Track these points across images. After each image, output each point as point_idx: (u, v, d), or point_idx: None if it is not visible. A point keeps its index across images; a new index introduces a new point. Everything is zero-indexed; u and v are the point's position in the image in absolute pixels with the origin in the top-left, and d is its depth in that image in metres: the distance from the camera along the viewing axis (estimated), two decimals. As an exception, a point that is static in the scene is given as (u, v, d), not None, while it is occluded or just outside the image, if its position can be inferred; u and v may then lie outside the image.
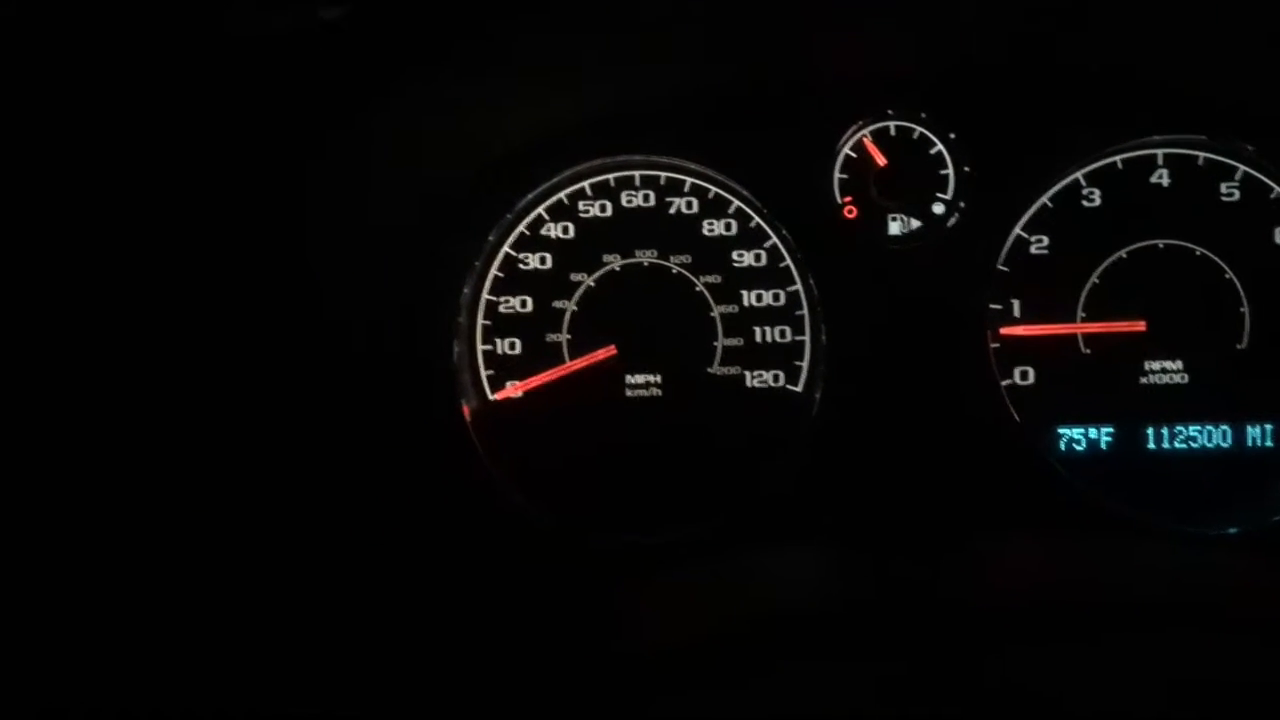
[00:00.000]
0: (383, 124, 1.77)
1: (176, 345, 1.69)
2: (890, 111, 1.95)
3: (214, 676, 1.55)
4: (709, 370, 2.00)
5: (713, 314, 2.00)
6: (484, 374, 2.02)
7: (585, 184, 2.02)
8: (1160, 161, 1.95)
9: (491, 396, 2.02)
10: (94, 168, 1.60)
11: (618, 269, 2.01)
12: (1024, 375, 1.96)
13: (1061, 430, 1.96)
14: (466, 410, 1.99)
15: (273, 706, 1.51)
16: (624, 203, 2.02)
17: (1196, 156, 1.95)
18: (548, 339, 2.02)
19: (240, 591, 1.67)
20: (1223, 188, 1.94)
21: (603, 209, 2.02)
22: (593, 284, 2.01)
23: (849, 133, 1.96)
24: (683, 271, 2.01)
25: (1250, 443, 1.93)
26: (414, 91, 1.74)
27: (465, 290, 2.00)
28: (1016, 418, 1.94)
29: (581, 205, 2.02)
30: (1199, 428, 1.94)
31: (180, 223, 1.67)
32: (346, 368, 1.89)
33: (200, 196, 1.67)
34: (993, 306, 1.95)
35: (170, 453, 1.68)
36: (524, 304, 2.02)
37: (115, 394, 1.65)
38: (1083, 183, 1.96)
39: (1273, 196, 1.94)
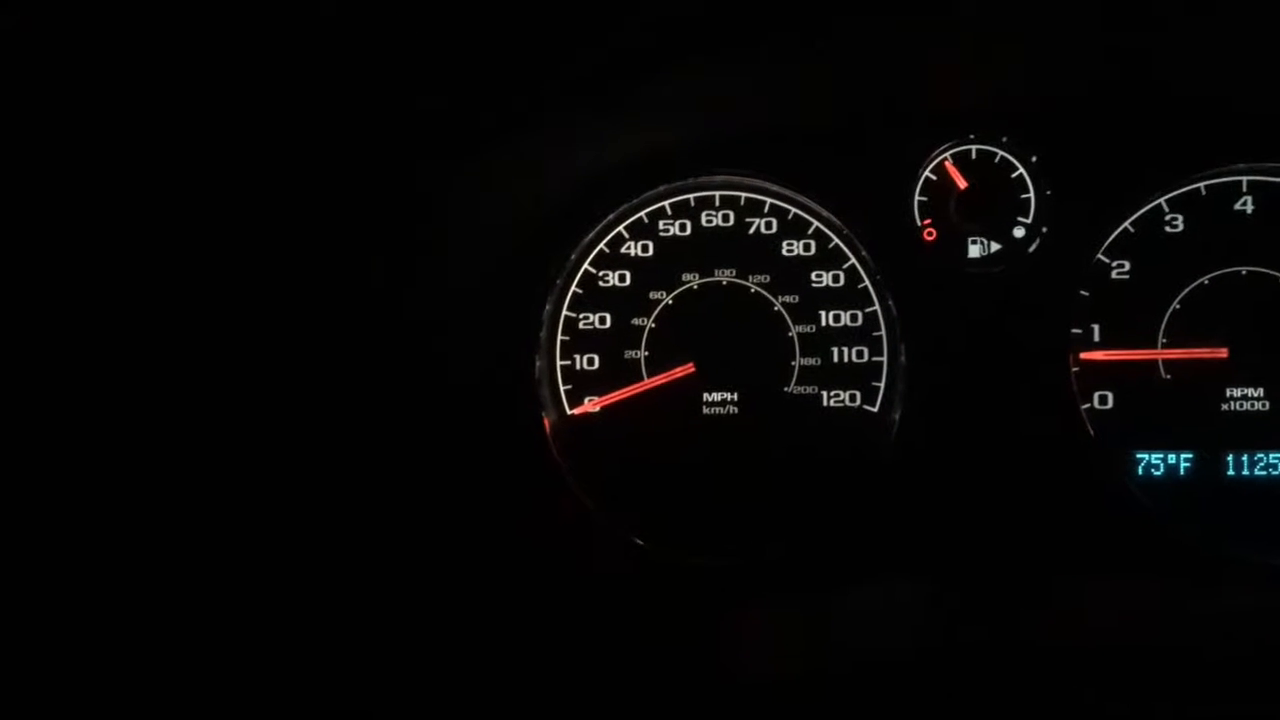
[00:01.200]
0: (485, 152, 1.80)
1: (277, 360, 1.73)
2: (972, 135, 1.96)
3: (299, 686, 1.59)
4: (786, 389, 2.01)
5: (790, 334, 2.01)
6: (562, 389, 2.04)
7: (666, 203, 2.04)
8: (1245, 188, 1.94)
9: (570, 411, 2.04)
10: (224, 183, 1.64)
11: (696, 287, 2.03)
12: (1103, 400, 1.96)
13: (1140, 455, 1.95)
14: (548, 424, 2.02)
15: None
16: (704, 222, 2.04)
17: (1282, 183, 1.94)
18: (626, 356, 2.04)
19: (329, 602, 1.71)
20: (1308, 215, 1.94)
21: (682, 228, 2.04)
22: (671, 302, 2.03)
23: (930, 155, 1.96)
24: (761, 291, 2.02)
25: (1332, 472, 1.92)
26: (523, 124, 1.77)
27: (547, 307, 2.03)
28: (1095, 442, 1.93)
29: (661, 224, 2.04)
30: (1280, 455, 1.93)
31: (296, 243, 1.71)
32: (434, 382, 1.92)
33: (316, 216, 1.72)
34: (1073, 331, 1.95)
35: (262, 462, 1.72)
36: (603, 320, 2.05)
37: (213, 401, 1.69)
38: (1166, 208, 1.96)
39: (1359, 224, 1.93)
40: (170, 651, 1.59)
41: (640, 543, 1.97)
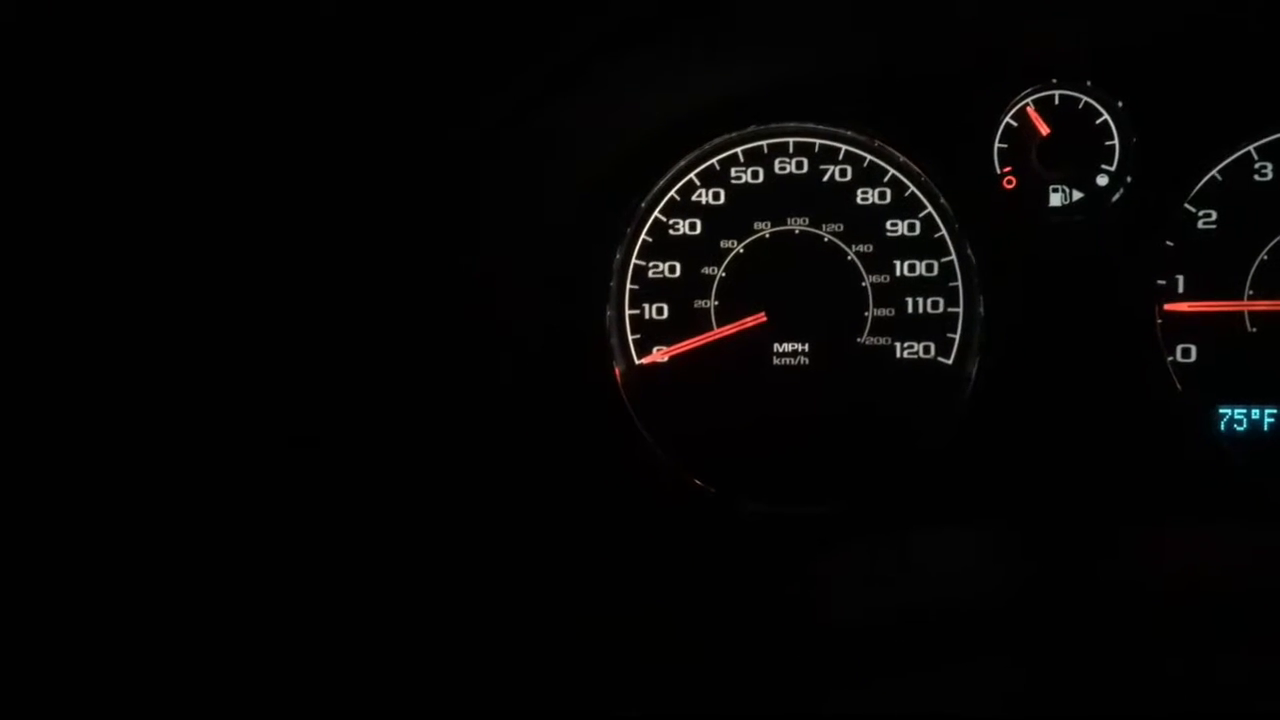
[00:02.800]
0: (554, 99, 1.77)
1: (351, 314, 1.72)
2: (1055, 80, 1.91)
3: (385, 648, 1.58)
4: (858, 340, 1.98)
5: (864, 284, 1.98)
6: (631, 339, 2.02)
7: (738, 150, 2.00)
8: (1339, 135, 1.89)
9: (638, 361, 2.01)
10: (280, 159, 1.62)
11: (768, 236, 2.00)
12: (1186, 353, 1.91)
13: (1223, 410, 1.91)
14: (617, 373, 1.99)
15: (424, 676, 1.53)
16: (777, 169, 2.00)
17: (1376, 131, 1.88)
18: (695, 305, 2.01)
19: (407, 556, 1.70)
20: (1403, 163, 1.88)
21: (755, 175, 2.00)
22: (742, 251, 2.00)
23: (1013, 101, 1.91)
24: (834, 240, 1.98)
25: None
26: (591, 65, 1.73)
27: (617, 255, 2.00)
28: (1179, 396, 1.89)
29: (734, 171, 2.00)
30: (1368, 411, 1.88)
31: (361, 191, 1.69)
32: (504, 332, 1.90)
33: (382, 166, 1.69)
34: (1158, 282, 1.91)
35: (344, 417, 1.71)
36: (672, 269, 2.01)
37: (285, 361, 1.68)
38: (1255, 156, 1.90)
39: None
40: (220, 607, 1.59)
41: (712, 492, 1.95)
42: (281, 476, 1.68)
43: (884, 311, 1.98)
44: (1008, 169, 1.93)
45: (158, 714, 1.45)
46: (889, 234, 1.98)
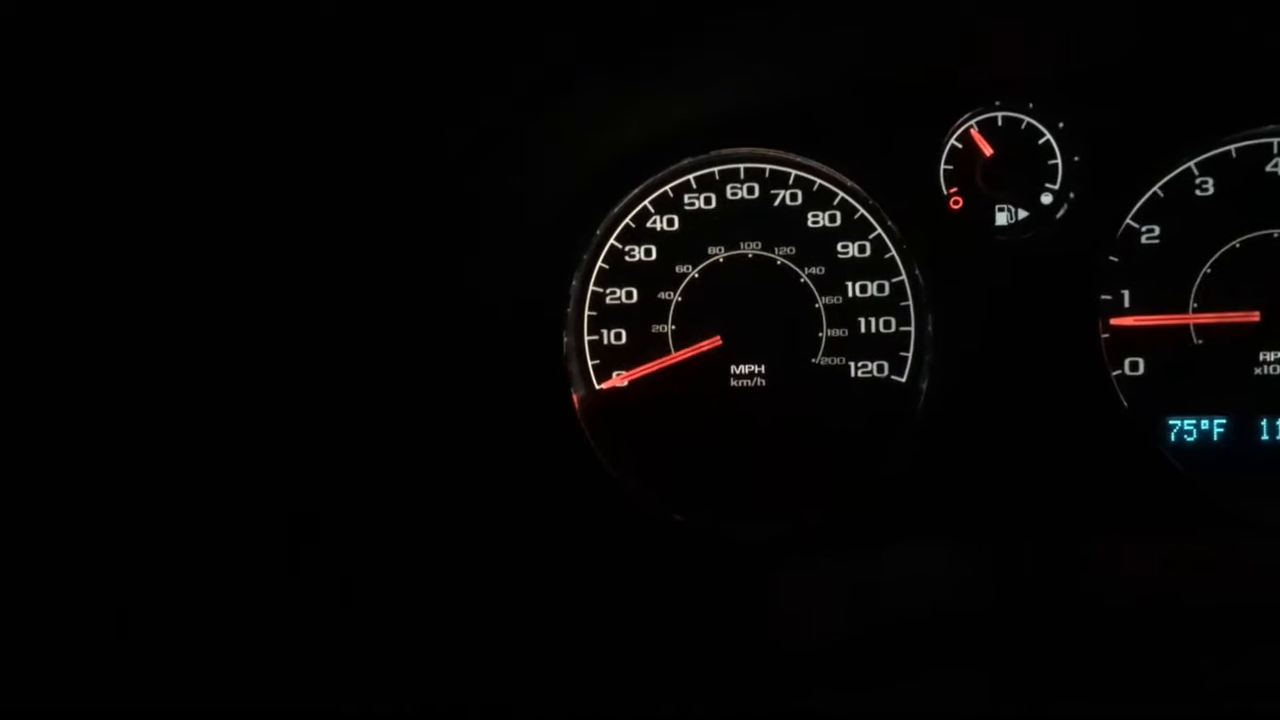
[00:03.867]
0: (511, 130, 1.81)
1: (312, 336, 1.75)
2: (997, 102, 1.95)
3: (334, 661, 1.60)
4: (813, 361, 2.01)
5: (817, 305, 2.01)
6: (590, 364, 2.05)
7: (690, 177, 2.04)
8: (1276, 150, 1.92)
9: (598, 386, 2.05)
10: (265, 153, 1.66)
11: (722, 260, 2.03)
12: (1134, 366, 1.94)
13: (1172, 421, 1.94)
14: (576, 399, 2.03)
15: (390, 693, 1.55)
16: (729, 195, 2.04)
17: (1314, 144, 1.92)
18: (653, 329, 2.04)
19: (360, 577, 1.72)
20: (1342, 176, 1.91)
21: (707, 201, 2.04)
22: (697, 275, 2.04)
23: (956, 123, 1.95)
24: (787, 263, 2.02)
25: (1368, 436, 1.90)
26: (548, 100, 1.77)
27: (574, 282, 2.03)
28: (1127, 409, 1.92)
29: (686, 198, 2.04)
30: (1314, 420, 1.91)
31: (323, 223, 1.73)
32: (462, 360, 1.93)
33: (343, 197, 1.73)
34: (1103, 297, 1.94)
35: (299, 442, 1.74)
36: (629, 295, 2.05)
37: (255, 366, 1.71)
38: (1196, 172, 1.94)
39: (1394, 185, 1.91)
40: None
41: (673, 515, 1.98)
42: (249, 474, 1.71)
43: (838, 332, 2.01)
44: (953, 190, 1.96)
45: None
46: (840, 256, 2.01)
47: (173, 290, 1.67)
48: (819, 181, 2.02)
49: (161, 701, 1.50)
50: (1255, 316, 1.91)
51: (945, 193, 1.96)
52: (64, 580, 1.59)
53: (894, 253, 2.00)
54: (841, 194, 2.01)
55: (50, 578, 1.59)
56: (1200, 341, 1.93)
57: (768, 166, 2.03)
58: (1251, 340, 1.91)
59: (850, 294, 2.01)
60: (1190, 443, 1.94)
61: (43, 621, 1.57)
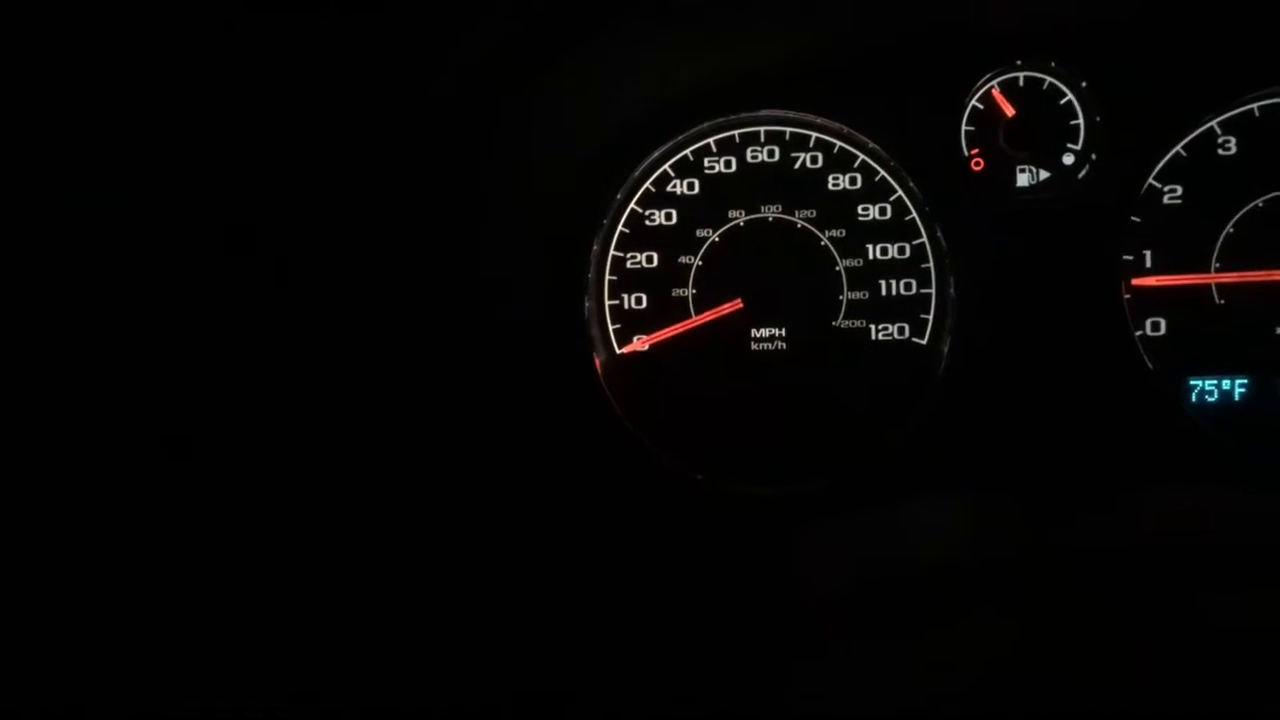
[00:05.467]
0: (530, 90, 1.80)
1: (327, 308, 1.75)
2: (1019, 61, 1.94)
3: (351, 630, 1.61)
4: (834, 324, 2.01)
5: (838, 268, 2.01)
6: (611, 328, 2.06)
7: (710, 140, 2.04)
8: (1300, 108, 1.91)
9: (619, 351, 2.05)
10: (275, 130, 1.66)
11: (742, 224, 2.03)
12: (1155, 326, 1.94)
13: (1194, 381, 1.94)
14: (598, 363, 2.03)
15: (409, 658, 1.55)
16: (749, 158, 2.03)
17: (1338, 102, 1.91)
18: (673, 294, 2.05)
19: (383, 545, 1.73)
20: (1365, 134, 1.90)
21: (728, 165, 2.04)
22: (717, 239, 2.03)
23: (977, 84, 1.94)
24: (808, 226, 2.02)
25: (1391, 394, 1.90)
26: (569, 57, 1.77)
27: (595, 247, 2.04)
28: (1149, 370, 1.92)
29: (707, 161, 2.04)
30: (1337, 379, 1.91)
31: (341, 181, 1.73)
32: (484, 326, 1.94)
33: (365, 166, 1.73)
34: (1125, 258, 1.94)
35: (315, 413, 1.75)
36: (650, 259, 2.05)
37: (280, 341, 1.72)
38: (1218, 131, 1.93)
39: None
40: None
41: (695, 477, 1.99)
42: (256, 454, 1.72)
43: (858, 294, 2.01)
44: (975, 151, 1.96)
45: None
46: (861, 219, 2.01)
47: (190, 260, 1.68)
48: (839, 144, 2.01)
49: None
50: (1278, 275, 1.90)
51: (967, 154, 1.96)
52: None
53: (915, 215, 2.00)
54: (862, 156, 2.01)
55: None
56: (1222, 301, 1.93)
57: (788, 129, 2.02)
58: (1274, 299, 1.91)
59: (871, 256, 2.01)
60: (1212, 403, 1.94)
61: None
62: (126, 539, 1.63)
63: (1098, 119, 1.93)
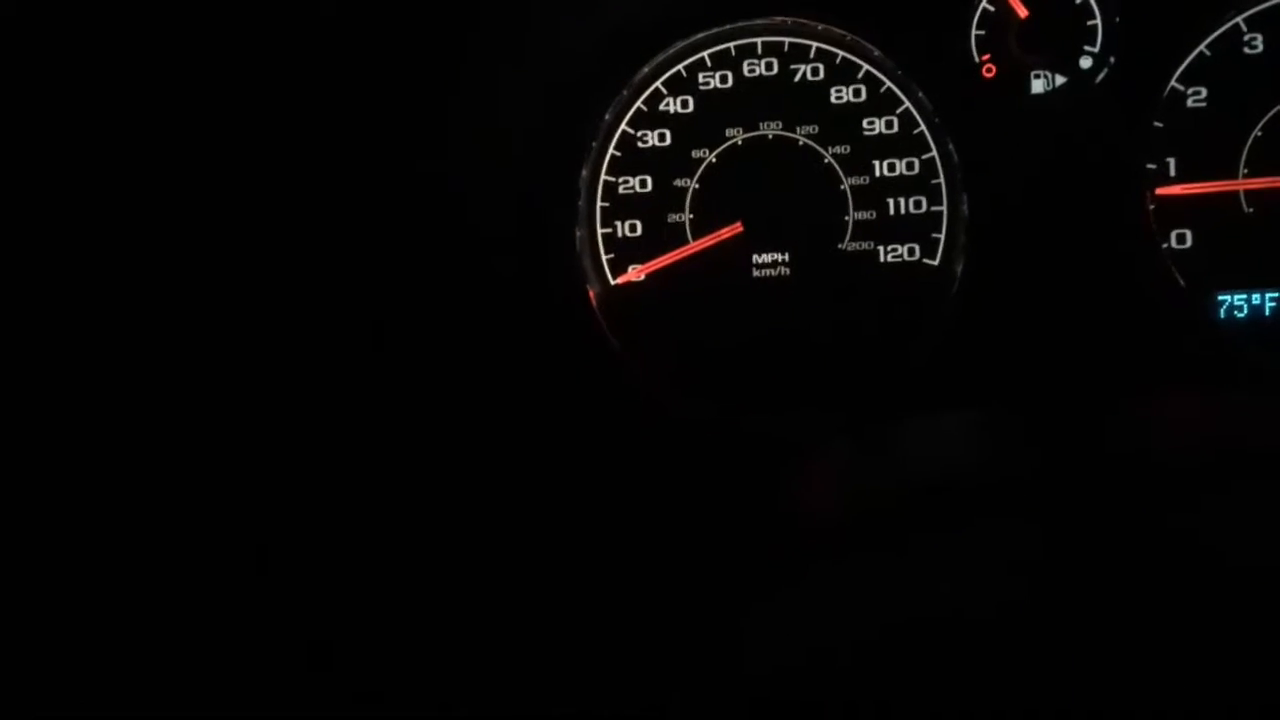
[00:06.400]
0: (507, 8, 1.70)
1: (312, 241, 1.67)
2: (1032, -42, 1.82)
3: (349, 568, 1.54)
4: (840, 246, 1.91)
5: (843, 187, 1.90)
6: (605, 258, 1.95)
7: (704, 54, 1.91)
8: (1331, 0, 1.80)
9: (613, 281, 1.94)
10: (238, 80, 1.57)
11: (740, 143, 1.92)
12: (1181, 238, 1.84)
13: (1222, 296, 1.84)
14: (592, 295, 1.93)
15: (400, 598, 1.49)
16: (746, 72, 1.91)
17: (1371, -7, 1.80)
18: (669, 219, 1.93)
19: (378, 483, 1.65)
20: (1400, 25, 1.79)
21: (723, 80, 1.92)
22: (714, 160, 1.92)
23: (987, -17, 1.83)
24: (809, 143, 1.90)
25: None
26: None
27: (584, 172, 1.92)
28: (1179, 282, 1.82)
29: (701, 77, 1.92)
30: (1374, 289, 1.82)
31: (320, 120, 1.64)
32: (471, 259, 1.84)
33: (340, 92, 1.64)
34: (1148, 166, 1.83)
35: (303, 350, 1.66)
36: (643, 184, 1.94)
37: (268, 280, 1.64)
38: (1244, 28, 1.81)
39: None
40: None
41: (699, 410, 1.89)
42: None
43: (865, 215, 1.90)
44: (986, 57, 1.84)
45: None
46: (866, 133, 1.90)
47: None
48: (842, 54, 1.89)
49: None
50: (1311, 179, 1.80)
51: (977, 60, 1.84)
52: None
53: (923, 127, 1.88)
54: (866, 66, 1.89)
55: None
56: (1251, 210, 1.82)
57: (786, 39, 1.90)
58: (1306, 205, 1.81)
59: (878, 174, 1.89)
60: (1240, 318, 1.84)
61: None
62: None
63: (1116, 19, 1.81)
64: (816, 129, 1.90)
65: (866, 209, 1.90)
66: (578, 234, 1.93)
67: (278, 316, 1.67)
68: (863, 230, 1.90)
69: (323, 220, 1.70)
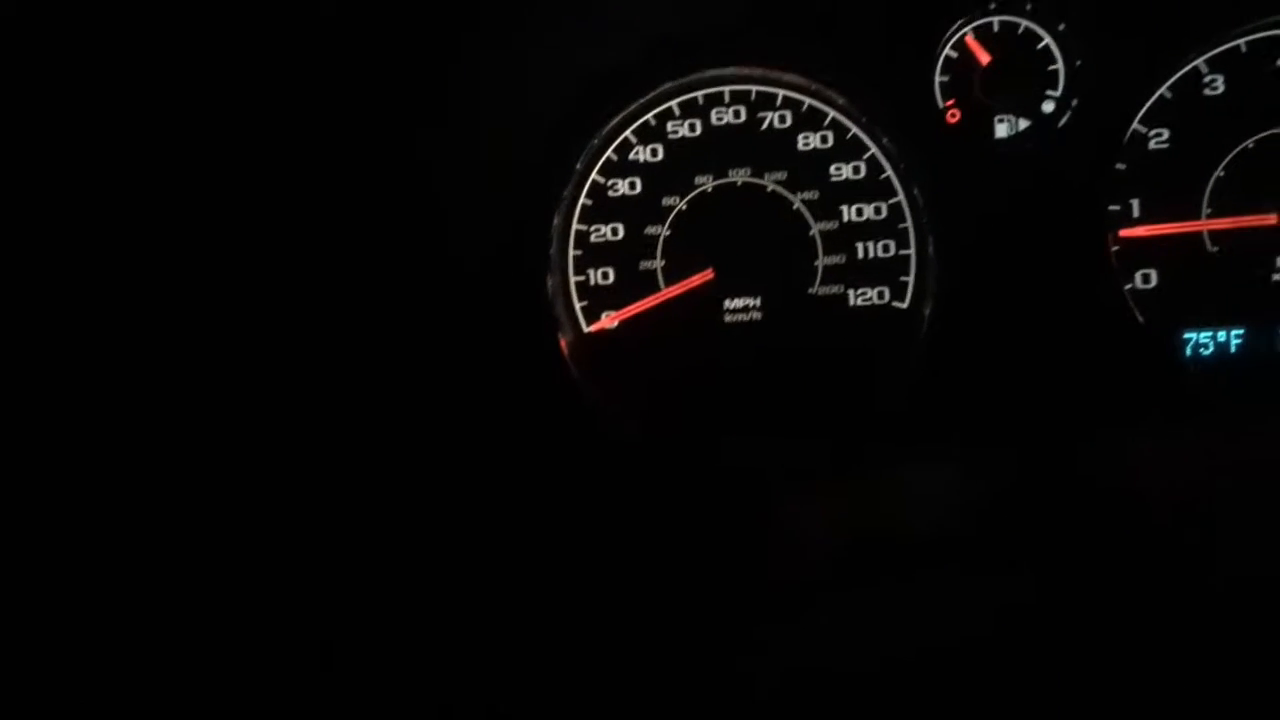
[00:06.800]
0: (478, 57, 1.72)
1: (290, 287, 1.69)
2: (993, 5, 1.84)
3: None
4: (810, 291, 1.92)
5: (811, 232, 1.92)
6: (578, 306, 1.96)
7: (673, 103, 1.94)
8: (1289, 42, 1.82)
9: (587, 329, 1.96)
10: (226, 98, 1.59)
11: (710, 190, 1.94)
12: (1146, 278, 1.86)
13: (1188, 334, 1.85)
14: (564, 343, 1.94)
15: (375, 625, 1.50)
16: (714, 121, 1.94)
17: (1328, 35, 1.82)
18: (641, 266, 1.95)
19: (342, 518, 1.66)
20: (1358, 67, 1.81)
21: (692, 128, 1.94)
22: (685, 207, 1.94)
23: (950, 31, 1.85)
24: (778, 189, 1.92)
25: (1394, 341, 1.82)
26: (511, 19, 1.68)
27: (556, 220, 1.94)
28: (1141, 324, 1.83)
29: (670, 126, 1.94)
30: (1337, 326, 1.83)
31: (296, 167, 1.66)
32: (444, 306, 1.85)
33: (318, 141, 1.66)
34: (1111, 208, 1.85)
35: (280, 381, 1.68)
36: (615, 231, 1.96)
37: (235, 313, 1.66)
38: (1204, 70, 1.84)
39: None
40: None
41: (672, 457, 1.90)
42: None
43: (834, 259, 1.92)
44: (950, 102, 1.86)
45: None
46: (834, 179, 1.92)
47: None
48: (808, 101, 1.92)
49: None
50: (1272, 219, 1.81)
51: (942, 105, 1.86)
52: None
53: (890, 172, 1.90)
54: (833, 113, 1.91)
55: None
56: (1215, 249, 1.84)
57: (753, 88, 1.92)
58: (1269, 245, 1.82)
59: (846, 218, 1.91)
60: (1207, 356, 1.85)
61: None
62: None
63: (1078, 63, 1.83)
64: (785, 175, 1.92)
65: (835, 253, 1.92)
66: (549, 282, 1.94)
67: (253, 354, 1.69)
68: (832, 274, 1.92)
69: (291, 263, 1.72)
